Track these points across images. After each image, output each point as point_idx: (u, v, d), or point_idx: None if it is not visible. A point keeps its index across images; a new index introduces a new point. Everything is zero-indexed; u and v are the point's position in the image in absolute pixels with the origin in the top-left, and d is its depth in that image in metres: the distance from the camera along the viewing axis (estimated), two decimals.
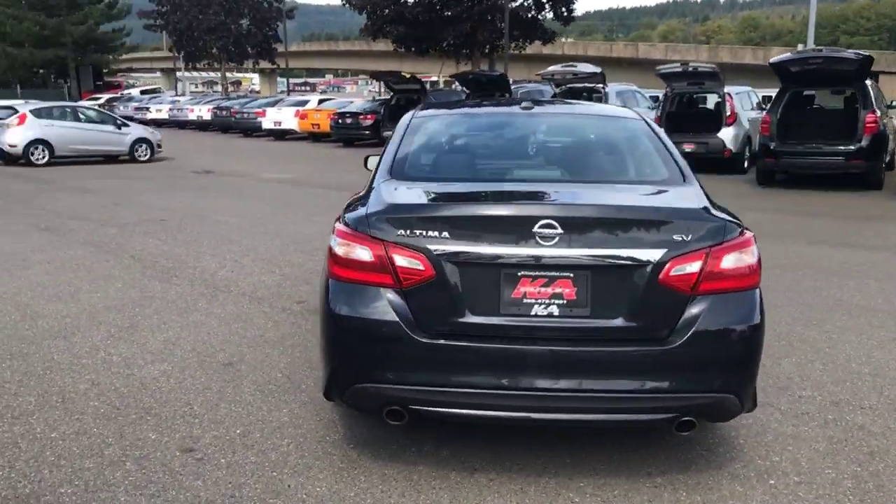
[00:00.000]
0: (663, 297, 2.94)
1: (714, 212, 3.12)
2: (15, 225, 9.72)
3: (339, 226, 3.17)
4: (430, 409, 3.02)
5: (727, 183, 14.28)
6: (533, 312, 2.95)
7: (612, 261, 2.93)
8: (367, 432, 3.65)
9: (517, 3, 33.43)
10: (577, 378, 2.92)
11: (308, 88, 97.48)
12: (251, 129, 30.00)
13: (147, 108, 39.38)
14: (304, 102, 29.67)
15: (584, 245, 2.92)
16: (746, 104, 16.47)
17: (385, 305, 2.98)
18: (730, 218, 3.14)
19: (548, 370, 2.92)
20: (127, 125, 20.47)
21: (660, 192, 3.33)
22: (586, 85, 17.84)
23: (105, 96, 47.17)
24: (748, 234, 3.10)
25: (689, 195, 3.25)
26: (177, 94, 50.59)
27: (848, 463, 3.44)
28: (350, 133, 24.62)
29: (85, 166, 18.14)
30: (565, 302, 2.95)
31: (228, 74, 72.21)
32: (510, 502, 3.07)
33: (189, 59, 52.49)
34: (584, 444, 3.52)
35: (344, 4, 34.73)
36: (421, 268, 2.95)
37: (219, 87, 68.25)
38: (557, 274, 2.94)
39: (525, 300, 2.96)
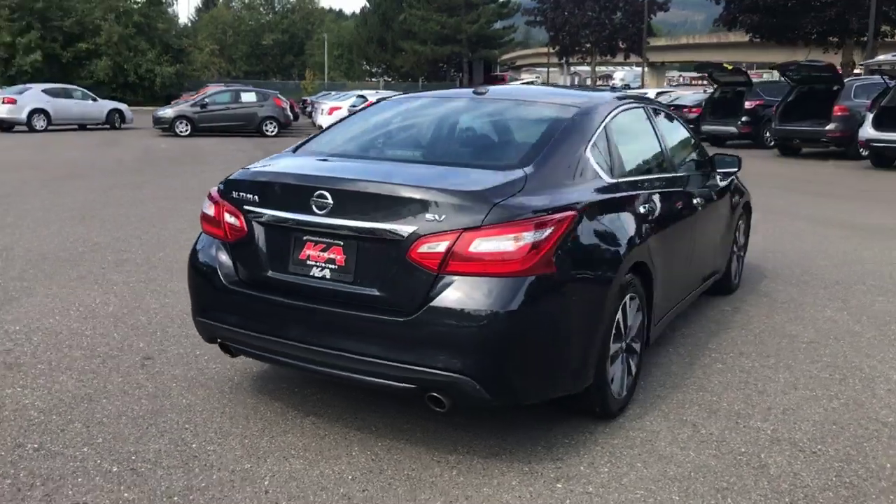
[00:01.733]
0: (411, 273, 3.04)
1: (492, 197, 3.05)
2: None
3: (213, 188, 3.80)
4: (237, 346, 3.54)
5: None
6: (311, 274, 3.28)
7: (372, 233, 3.12)
8: (290, 373, 4.17)
9: None
10: (337, 338, 3.17)
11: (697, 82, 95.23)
12: None
13: None
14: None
15: (349, 216, 3.15)
16: None
17: (214, 255, 3.57)
18: (517, 203, 3.05)
19: (315, 327, 3.23)
20: None
21: (464, 175, 3.32)
22: None
23: None
24: (529, 222, 3.00)
25: (487, 179, 3.20)
26: None
27: (675, 493, 3.06)
28: None
29: None
30: (336, 267, 3.22)
31: (611, 68, 73.31)
32: (299, 442, 3.42)
33: (563, 53, 55.00)
34: (445, 418, 3.61)
35: None
36: (238, 225, 3.46)
37: (612, 82, 70.11)
38: (331, 241, 3.23)
39: (308, 262, 3.29)
